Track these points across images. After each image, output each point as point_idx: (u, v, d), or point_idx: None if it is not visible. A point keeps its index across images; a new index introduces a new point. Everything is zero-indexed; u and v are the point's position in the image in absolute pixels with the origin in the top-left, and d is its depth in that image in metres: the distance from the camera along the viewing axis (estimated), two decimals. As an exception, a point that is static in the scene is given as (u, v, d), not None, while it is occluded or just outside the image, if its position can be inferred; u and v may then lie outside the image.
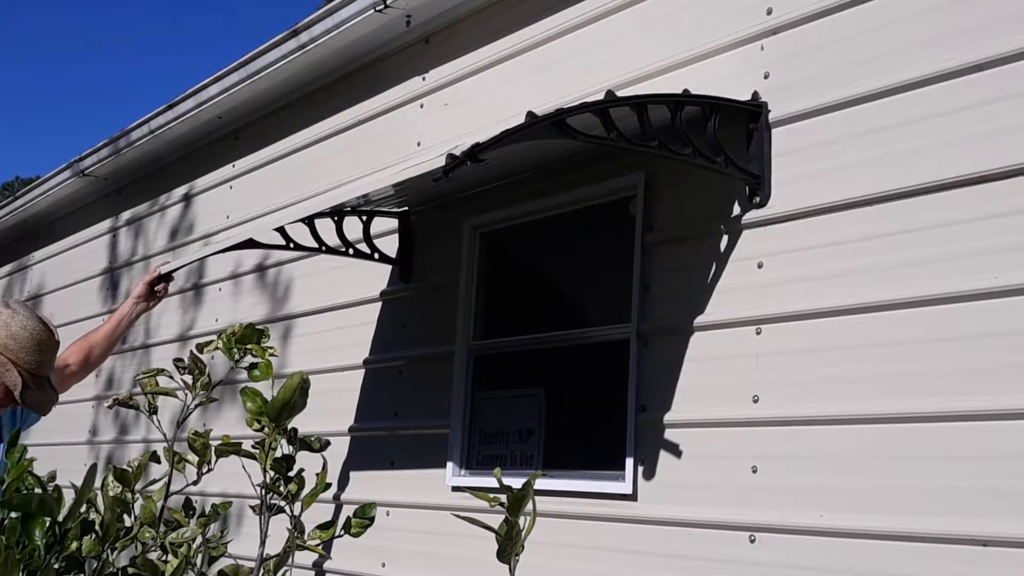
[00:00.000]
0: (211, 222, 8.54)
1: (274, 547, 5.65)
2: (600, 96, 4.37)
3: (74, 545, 5.29)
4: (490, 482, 4.09)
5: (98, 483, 5.49)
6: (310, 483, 5.69)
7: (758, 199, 4.62)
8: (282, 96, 7.74)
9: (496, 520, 3.91)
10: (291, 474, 5.60)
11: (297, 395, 5.43)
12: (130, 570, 5.45)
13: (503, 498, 3.89)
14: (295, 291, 7.44)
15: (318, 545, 5.74)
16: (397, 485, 6.26)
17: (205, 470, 5.82)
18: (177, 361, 5.97)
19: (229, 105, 8.08)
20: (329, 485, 5.92)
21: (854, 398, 4.20)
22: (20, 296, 12.15)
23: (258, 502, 5.71)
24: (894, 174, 4.17)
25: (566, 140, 4.38)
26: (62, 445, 9.81)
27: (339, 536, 5.69)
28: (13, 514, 5.11)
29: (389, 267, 6.53)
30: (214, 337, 5.84)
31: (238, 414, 6.79)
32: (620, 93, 4.51)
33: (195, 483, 5.80)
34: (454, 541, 5.54)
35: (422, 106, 6.56)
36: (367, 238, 6.36)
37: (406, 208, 6.46)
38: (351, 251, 6.32)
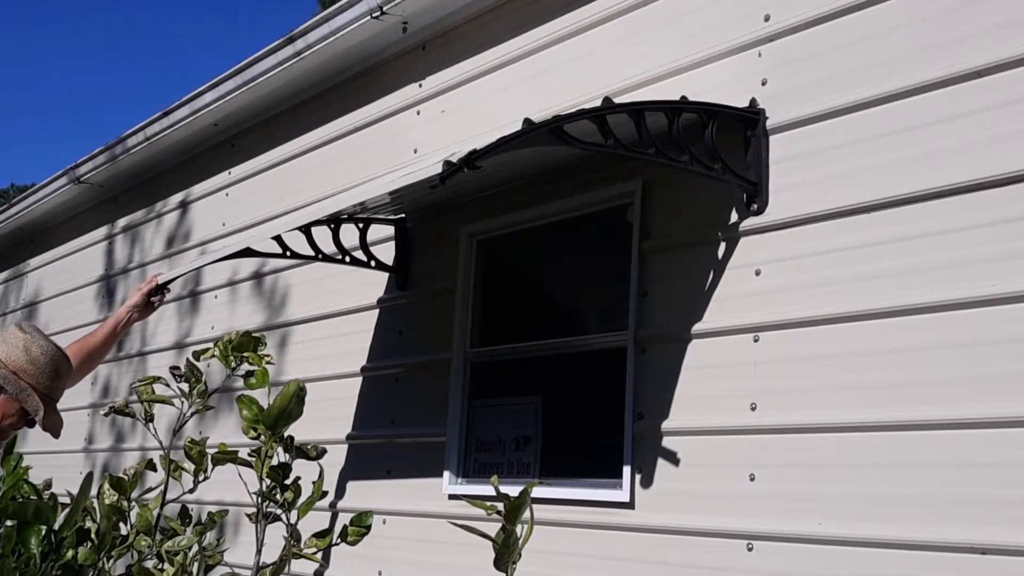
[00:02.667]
0: (207, 229, 8.52)
1: (270, 555, 5.64)
2: (597, 103, 4.36)
3: (70, 553, 5.27)
4: (487, 490, 4.08)
5: (94, 491, 5.47)
6: (306, 491, 5.68)
7: (755, 206, 4.62)
8: (278, 103, 7.74)
9: (493, 528, 3.90)
10: (287, 482, 5.59)
11: (293, 403, 5.42)
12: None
13: (500, 506, 3.88)
14: (292, 299, 7.43)
15: (315, 553, 5.72)
16: (394, 493, 6.24)
17: (201, 478, 5.81)
18: (173, 369, 5.95)
19: (225, 112, 8.07)
20: (326, 493, 5.91)
21: (852, 406, 4.19)
22: (15, 304, 12.13)
23: (254, 510, 5.70)
24: (892, 181, 4.17)
25: (563, 147, 4.37)
26: (58, 453, 9.78)
27: (336, 544, 5.67)
28: (9, 522, 5.09)
29: (386, 275, 6.52)
30: (210, 345, 5.83)
31: (234, 422, 6.77)
32: (617, 100, 4.50)
33: (191, 491, 5.79)
34: (451, 549, 5.52)
35: (419, 113, 6.55)
36: (364, 246, 6.35)
37: (403, 215, 6.45)
38: (348, 259, 6.31)
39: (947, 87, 4.06)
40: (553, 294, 6.01)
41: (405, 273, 6.45)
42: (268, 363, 5.67)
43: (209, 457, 5.76)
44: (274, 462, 5.56)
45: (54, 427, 5.05)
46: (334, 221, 6.17)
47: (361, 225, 6.34)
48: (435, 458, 5.97)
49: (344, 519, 5.91)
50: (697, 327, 4.79)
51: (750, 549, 4.44)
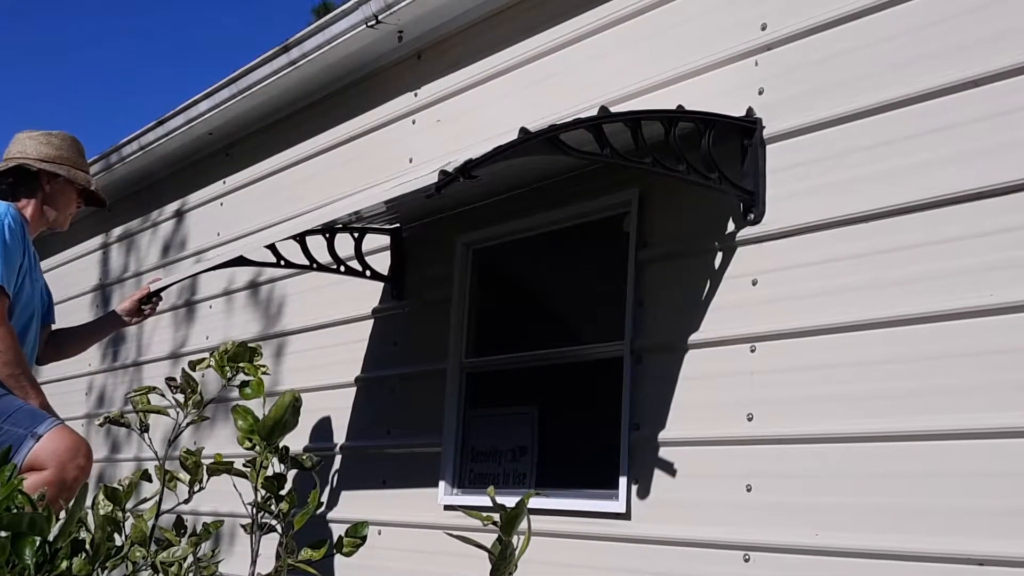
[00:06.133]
0: (202, 238, 8.51)
1: (265, 566, 5.61)
2: (593, 112, 4.35)
3: (64, 564, 5.24)
4: (483, 500, 4.06)
5: (89, 501, 5.45)
6: (301, 502, 5.65)
7: (752, 216, 4.61)
8: (273, 112, 7.72)
9: (489, 539, 3.88)
10: (282, 493, 5.56)
11: (289, 413, 5.39)
12: (120, 589, 5.41)
13: (496, 517, 3.86)
14: (287, 308, 7.41)
15: (310, 564, 5.69)
16: (389, 503, 6.23)
17: (197, 489, 5.78)
18: (169, 380, 5.93)
19: (220, 121, 8.06)
20: (321, 504, 5.88)
21: (849, 416, 4.18)
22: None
23: (249, 521, 5.68)
24: (889, 190, 4.16)
25: (559, 156, 4.36)
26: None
27: (331, 555, 5.64)
28: (3, 533, 5.07)
29: (381, 284, 6.51)
30: (206, 355, 5.81)
31: (230, 432, 6.75)
32: (614, 109, 4.49)
33: (186, 502, 5.75)
34: (447, 560, 5.51)
35: (414, 122, 6.53)
36: (359, 255, 6.34)
37: (398, 225, 6.44)
38: (343, 268, 6.30)
39: (945, 96, 4.06)
40: (549, 304, 6.00)
41: (400, 283, 6.44)
42: (264, 373, 5.64)
43: (204, 468, 5.73)
44: (269, 472, 5.54)
45: (104, 197, 6.10)
46: (329, 230, 6.16)
47: (356, 234, 6.33)
48: (431, 468, 5.96)
49: (339, 529, 5.89)
50: (694, 337, 4.78)
51: (747, 560, 4.43)
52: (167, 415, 5.85)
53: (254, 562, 5.59)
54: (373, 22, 6.37)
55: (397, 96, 6.69)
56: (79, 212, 6.17)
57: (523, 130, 4.21)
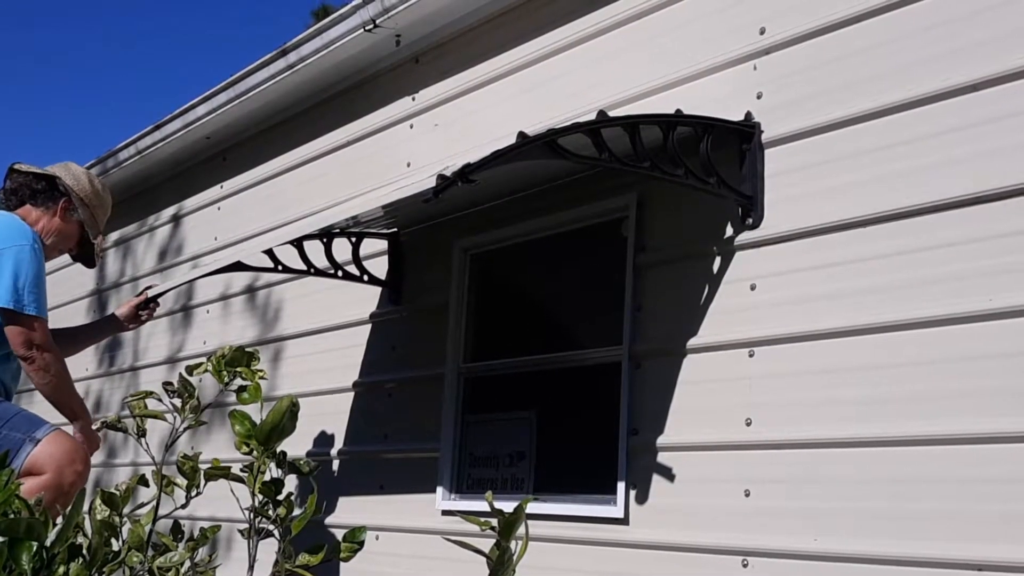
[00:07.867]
0: (199, 243, 8.50)
1: (263, 571, 5.60)
2: (592, 116, 4.35)
3: (62, 570, 5.22)
4: (481, 506, 4.05)
5: (86, 506, 5.44)
6: (299, 507, 5.65)
7: (751, 220, 4.60)
8: (271, 116, 7.71)
9: (487, 544, 3.88)
10: (280, 498, 5.55)
11: (286, 418, 5.38)
12: (115, 594, 5.39)
13: (494, 522, 3.85)
14: (285, 313, 7.40)
15: (307, 569, 5.68)
16: (387, 509, 6.22)
17: (194, 494, 5.77)
18: (166, 384, 5.92)
19: (217, 125, 8.05)
20: (319, 509, 5.87)
21: (848, 421, 4.18)
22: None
23: (247, 526, 5.67)
24: (889, 195, 4.16)
25: (558, 161, 4.35)
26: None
27: (328, 560, 5.63)
28: (0, 538, 5.06)
29: (379, 289, 6.50)
30: (203, 359, 5.80)
31: (227, 437, 6.74)
32: (612, 113, 4.49)
33: (184, 507, 5.75)
34: (444, 565, 5.50)
35: (412, 126, 6.53)
36: (356, 260, 6.33)
37: (396, 229, 6.43)
38: (340, 273, 6.29)
39: (943, 100, 4.05)
40: (547, 308, 5.99)
41: (398, 287, 6.43)
42: (261, 378, 5.63)
43: (202, 472, 5.72)
44: (267, 477, 5.53)
45: (98, 258, 6.19)
46: (326, 235, 6.15)
47: (354, 239, 6.32)
48: (428, 473, 5.95)
49: (338, 534, 5.88)
50: (692, 342, 4.77)
51: (745, 565, 4.42)
52: (164, 420, 5.84)
53: (251, 567, 5.57)
54: (371, 26, 6.37)
55: (395, 100, 6.68)
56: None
57: (521, 134, 4.20)
